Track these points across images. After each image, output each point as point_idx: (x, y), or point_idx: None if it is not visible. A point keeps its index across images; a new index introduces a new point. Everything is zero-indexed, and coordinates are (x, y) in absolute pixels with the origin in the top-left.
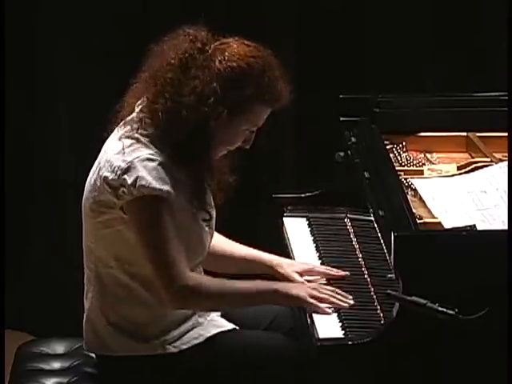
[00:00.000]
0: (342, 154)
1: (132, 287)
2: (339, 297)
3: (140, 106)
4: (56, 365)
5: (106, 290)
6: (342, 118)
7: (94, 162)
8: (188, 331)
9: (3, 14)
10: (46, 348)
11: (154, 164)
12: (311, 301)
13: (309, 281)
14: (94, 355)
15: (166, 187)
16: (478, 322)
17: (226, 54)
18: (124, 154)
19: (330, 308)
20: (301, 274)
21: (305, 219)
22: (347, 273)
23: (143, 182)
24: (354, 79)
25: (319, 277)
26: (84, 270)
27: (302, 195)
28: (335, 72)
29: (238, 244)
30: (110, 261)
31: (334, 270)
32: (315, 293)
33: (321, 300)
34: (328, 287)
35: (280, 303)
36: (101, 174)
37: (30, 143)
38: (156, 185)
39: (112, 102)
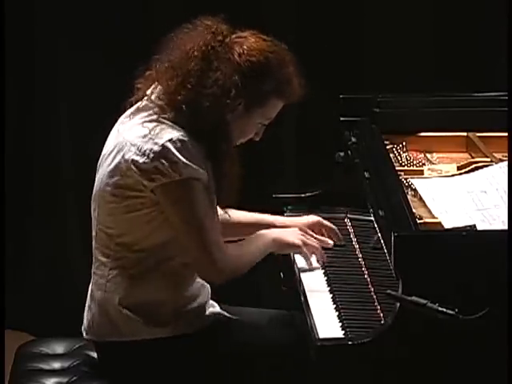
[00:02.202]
0: (342, 153)
1: (154, 270)
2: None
3: (155, 94)
4: (56, 365)
5: (125, 275)
6: (342, 118)
7: (94, 162)
8: (197, 315)
9: (3, 13)
10: (46, 348)
11: (188, 144)
12: (304, 249)
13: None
14: (95, 355)
15: (202, 168)
16: (478, 322)
17: (245, 47)
18: (152, 137)
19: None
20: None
21: None
22: (343, 242)
23: (181, 165)
24: (354, 79)
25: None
26: (94, 257)
27: (302, 195)
28: (335, 72)
29: (238, 211)
30: (133, 245)
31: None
32: (306, 240)
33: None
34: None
35: (280, 251)
36: (126, 158)
37: (30, 143)
38: (194, 166)
39: (112, 101)
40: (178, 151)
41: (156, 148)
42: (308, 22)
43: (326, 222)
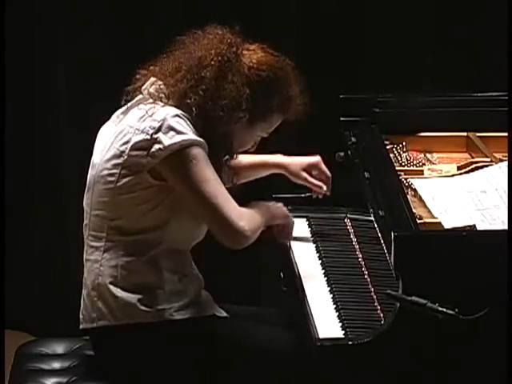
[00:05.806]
0: (341, 153)
1: (148, 252)
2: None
3: (155, 86)
4: (56, 365)
5: (118, 257)
6: (342, 118)
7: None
8: (195, 302)
9: (3, 13)
10: (46, 348)
11: (185, 120)
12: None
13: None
14: (92, 352)
15: (201, 139)
16: (477, 321)
17: (254, 61)
18: (150, 116)
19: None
20: (308, 170)
21: (305, 219)
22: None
23: (181, 135)
24: (354, 79)
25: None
26: (87, 246)
27: (302, 195)
28: (335, 72)
29: (243, 155)
30: (126, 228)
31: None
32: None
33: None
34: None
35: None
36: (126, 140)
37: (30, 143)
38: (193, 136)
39: (113, 101)
40: (176, 123)
41: (155, 124)
42: (308, 21)
43: (323, 167)
